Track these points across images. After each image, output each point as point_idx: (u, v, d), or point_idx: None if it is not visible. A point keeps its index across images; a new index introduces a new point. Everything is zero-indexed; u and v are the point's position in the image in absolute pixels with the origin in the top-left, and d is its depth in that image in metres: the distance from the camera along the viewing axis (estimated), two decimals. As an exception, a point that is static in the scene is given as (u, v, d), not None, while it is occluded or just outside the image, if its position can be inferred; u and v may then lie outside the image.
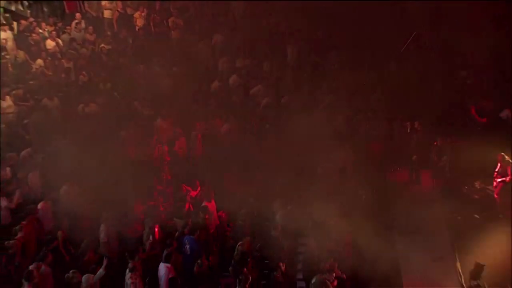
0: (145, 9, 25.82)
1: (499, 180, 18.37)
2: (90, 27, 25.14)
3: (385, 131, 20.37)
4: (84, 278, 14.42)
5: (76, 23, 25.09)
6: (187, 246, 15.99)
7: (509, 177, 18.18)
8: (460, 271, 16.22)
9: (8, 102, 21.19)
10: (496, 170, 18.38)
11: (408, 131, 20.15)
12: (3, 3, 25.89)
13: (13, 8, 26.23)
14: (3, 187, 17.74)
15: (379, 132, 20.39)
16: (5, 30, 24.47)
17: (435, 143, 19.60)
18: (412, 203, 18.33)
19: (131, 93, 21.90)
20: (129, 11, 26.12)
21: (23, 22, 25.42)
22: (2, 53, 23.88)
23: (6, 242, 15.85)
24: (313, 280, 14.86)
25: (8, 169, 18.53)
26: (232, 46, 24.14)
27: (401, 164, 19.96)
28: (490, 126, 20.49)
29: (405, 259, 16.74)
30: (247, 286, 14.68)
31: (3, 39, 24.15)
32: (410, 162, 19.89)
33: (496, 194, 18.41)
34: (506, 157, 18.39)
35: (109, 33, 25.33)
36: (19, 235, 16.00)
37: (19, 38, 24.63)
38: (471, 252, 16.56)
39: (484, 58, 21.81)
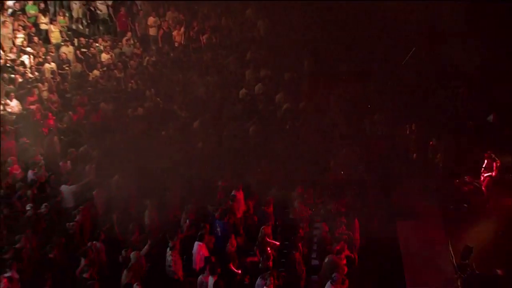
0: (182, 28, 25.69)
1: (486, 175, 18.28)
2: (138, 43, 25.18)
3: (388, 132, 20.27)
4: (132, 255, 14.57)
5: (126, 40, 25.19)
6: (218, 229, 16.03)
7: (494, 172, 18.07)
8: (452, 252, 16.10)
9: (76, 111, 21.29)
10: (483, 166, 18.27)
11: (408, 132, 20.05)
12: (67, 23, 26.09)
13: (74, 27, 26.34)
14: (65, 177, 17.87)
15: (383, 132, 20.35)
16: (67, 46, 24.65)
17: (430, 143, 19.48)
18: (410, 193, 18.27)
19: (171, 99, 21.96)
20: (166, 27, 26.06)
21: (82, 39, 25.55)
22: (65, 65, 24.06)
23: (67, 224, 16.01)
24: (326, 260, 14.89)
25: (69, 162, 18.71)
26: (257, 58, 24.07)
27: (402, 160, 19.74)
28: (479, 128, 20.35)
29: (404, 241, 16.72)
30: (269, 263, 14.71)
31: (63, 52, 24.29)
32: (409, 159, 19.73)
33: (484, 187, 18.30)
34: (493, 155, 18.31)
35: (153, 47, 25.37)
36: (78, 218, 16.12)
37: (80, 52, 24.73)
38: (461, 236, 16.59)
39: (472, 70, 21.67)
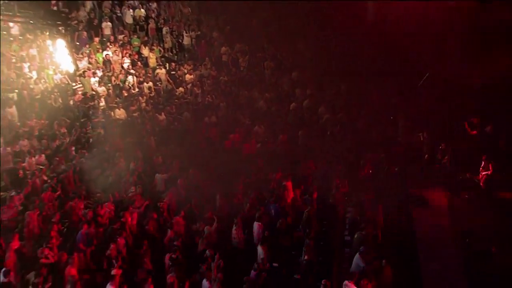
0: (247, 56, 25.71)
1: (484, 173, 17.93)
2: (213, 67, 25.31)
3: (406, 138, 20.03)
4: (206, 228, 14.92)
5: (205, 64, 25.37)
6: (272, 211, 16.03)
7: (490, 171, 17.71)
8: (456, 233, 15.95)
9: (162, 116, 21.62)
10: (481, 166, 17.91)
11: (421, 139, 19.74)
12: (161, 52, 26.37)
13: (166, 55, 26.63)
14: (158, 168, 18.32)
15: (401, 139, 20.10)
16: (161, 69, 24.99)
17: (440, 147, 19.17)
18: (423, 186, 17.94)
19: (238, 110, 21.99)
20: (234, 54, 26.16)
21: (172, 64, 25.83)
22: (158, 83, 24.30)
23: (158, 203, 16.38)
24: (356, 236, 14.76)
25: (160, 157, 19.18)
26: (304, 79, 23.99)
27: (416, 160, 19.44)
28: (479, 136, 19.95)
29: (417, 223, 16.53)
30: (312, 236, 14.68)
31: (158, 74, 24.60)
32: (422, 159, 19.41)
33: (482, 183, 17.94)
34: (489, 158, 17.99)
35: (225, 70, 25.43)
36: (166, 199, 16.32)
37: (169, 74, 24.99)
38: (463, 220, 16.40)
39: (475, 88, 21.25)
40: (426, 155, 19.61)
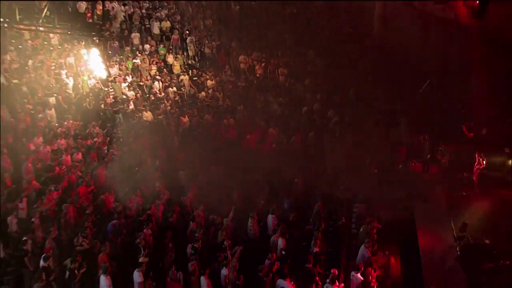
0: (263, 63, 25.72)
1: (476, 167, 17.88)
2: (232, 73, 25.36)
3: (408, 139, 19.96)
4: (224, 220, 15.35)
5: (224, 71, 25.44)
6: (285, 205, 16.05)
7: (482, 165, 17.83)
8: (453, 226, 15.87)
9: (185, 118, 21.73)
10: (475, 162, 17.98)
11: (422, 141, 19.67)
12: (185, 59, 26.46)
13: (189, 62, 26.72)
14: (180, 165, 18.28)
15: (404, 140, 20.02)
16: (184, 75, 25.09)
17: (439, 148, 19.10)
18: (424, 184, 17.87)
19: (254, 113, 22.01)
20: (251, 62, 26.15)
21: (194, 71, 25.92)
22: (182, 88, 24.38)
23: (181, 198, 16.49)
24: (361, 229, 14.77)
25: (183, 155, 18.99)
26: (316, 85, 23.94)
27: (418, 160, 19.36)
28: (475, 138, 19.88)
29: (418, 218, 16.49)
30: (321, 229, 14.69)
31: (181, 80, 24.69)
32: (424, 159, 19.34)
33: (475, 178, 17.92)
34: (481, 154, 18.23)
35: (243, 76, 25.50)
36: (189, 193, 16.73)
37: (192, 80, 25.07)
38: (460, 215, 16.33)
39: (472, 97, 21.17)
40: (428, 155, 19.58)
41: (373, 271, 13.35)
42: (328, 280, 12.80)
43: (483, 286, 13.62)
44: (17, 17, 15.18)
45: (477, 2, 16.74)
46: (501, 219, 16.05)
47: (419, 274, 14.35)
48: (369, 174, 17.77)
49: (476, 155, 18.21)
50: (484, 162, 18.15)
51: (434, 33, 24.11)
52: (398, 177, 17.95)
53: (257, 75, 25.48)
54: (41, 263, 13.59)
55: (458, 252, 14.97)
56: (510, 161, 18.96)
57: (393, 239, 15.16)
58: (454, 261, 14.85)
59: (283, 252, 14.35)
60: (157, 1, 29.49)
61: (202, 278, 13.29)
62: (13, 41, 23.28)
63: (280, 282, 12.95)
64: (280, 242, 14.41)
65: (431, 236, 15.77)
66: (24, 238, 14.48)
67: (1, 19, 15.75)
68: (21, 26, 16.63)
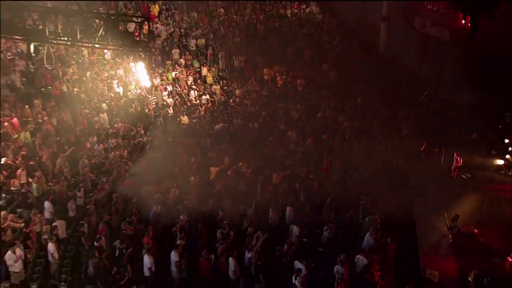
0: (284, 76, 25.64)
1: (454, 165, 17.97)
2: (257, 84, 25.31)
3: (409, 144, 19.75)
4: (248, 210, 15.13)
5: (250, 82, 25.38)
6: (301, 198, 16.05)
7: (459, 164, 17.81)
8: (446, 217, 15.76)
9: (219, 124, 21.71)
10: (454, 163, 18.13)
11: (423, 146, 19.37)
12: (216, 71, 26.44)
13: (220, 74, 26.74)
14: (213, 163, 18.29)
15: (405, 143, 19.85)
16: (216, 85, 25.16)
17: (435, 150, 18.94)
18: (421, 181, 17.73)
19: (275, 118, 22.00)
20: (273, 74, 26.04)
21: (224, 81, 25.91)
22: (214, 96, 24.41)
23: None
24: (366, 219, 14.71)
25: (215, 154, 19.08)
26: (329, 94, 23.85)
27: (417, 161, 19.09)
28: (466, 142, 19.65)
29: (416, 210, 16.33)
30: (332, 218, 14.68)
31: (214, 89, 24.79)
32: (422, 160, 19.18)
33: (454, 173, 18.02)
34: (459, 153, 18.12)
35: (266, 86, 25.42)
36: (218, 187, 16.55)
37: (222, 89, 25.12)
38: (452, 208, 16.16)
39: (463, 106, 20.91)
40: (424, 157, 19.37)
41: (376, 255, 13.28)
42: (338, 263, 12.77)
43: (471, 268, 13.43)
44: (78, 36, 15.35)
45: (469, 24, 16.54)
46: (488, 211, 15.91)
47: (416, 258, 14.24)
48: (375, 172, 17.59)
49: (455, 155, 17.97)
50: (461, 161, 17.90)
51: (431, 50, 23.87)
52: (399, 175, 17.73)
53: (278, 85, 25.38)
54: (95, 243, 13.83)
55: (451, 240, 14.84)
56: (497, 161, 18.77)
57: (394, 228, 15.02)
58: (447, 247, 14.75)
59: (304, 240, 14.36)
60: (193, 22, 29.62)
61: (230, 259, 13.39)
62: (74, 56, 23.73)
63: (296, 263, 12.96)
64: (296, 229, 14.41)
65: (427, 226, 15.63)
66: (81, 222, 14.78)
67: (65, 38, 15.96)
68: (81, 44, 16.82)
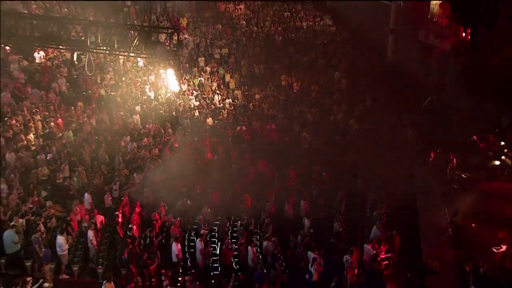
0: (300, 82, 25.54)
1: (450, 166, 17.87)
2: (275, 89, 25.18)
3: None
4: (266, 204, 14.72)
5: (269, 87, 25.23)
6: (315, 193, 16.02)
7: (455, 165, 17.72)
8: (447, 212, 15.63)
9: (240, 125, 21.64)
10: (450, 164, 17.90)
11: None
12: (239, 78, 26.41)
13: (242, 80, 26.64)
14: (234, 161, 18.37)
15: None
16: (238, 90, 25.06)
17: (437, 151, 18.64)
18: (424, 180, 17.54)
19: (291, 120, 21.94)
20: (291, 81, 25.91)
21: (245, 87, 25.79)
22: (236, 100, 24.42)
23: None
24: (374, 213, 14.61)
25: (236, 152, 19.16)
26: (340, 99, 23.68)
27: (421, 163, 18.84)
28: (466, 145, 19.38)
29: (420, 206, 16.24)
30: (342, 212, 14.60)
31: (236, 93, 24.76)
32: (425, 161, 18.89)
33: (449, 170, 17.84)
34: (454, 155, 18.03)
35: (283, 91, 25.27)
36: (238, 182, 16.51)
37: (243, 94, 25.04)
38: (452, 204, 16.00)
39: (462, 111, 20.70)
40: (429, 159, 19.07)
41: (382, 246, 13.19)
42: (347, 253, 12.72)
43: (469, 258, 13.25)
44: (115, 46, 15.59)
45: (469, 37, 16.43)
46: (484, 207, 15.68)
47: (418, 249, 14.12)
48: (382, 170, 17.44)
49: (451, 156, 17.66)
50: (456, 162, 17.67)
51: (434, 60, 23.60)
52: (405, 175, 17.53)
53: (295, 90, 25.28)
54: (128, 231, 13.98)
55: (450, 233, 14.65)
56: (494, 162, 18.46)
57: (399, 221, 14.90)
58: (447, 240, 14.57)
59: (311, 230, 14.33)
60: (218, 33, 29.70)
61: (249, 248, 13.42)
62: (111, 63, 23.97)
63: (309, 254, 12.93)
64: (307, 222, 14.38)
65: (429, 220, 15.50)
66: (116, 212, 14.93)
67: (104, 48, 16.21)
68: (118, 53, 17.07)
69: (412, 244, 14.35)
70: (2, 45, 19.91)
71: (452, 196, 16.66)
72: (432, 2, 22.21)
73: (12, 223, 13.20)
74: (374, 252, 12.91)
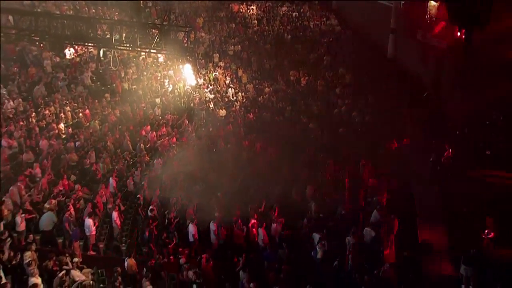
0: (306, 77, 25.33)
1: (446, 155, 16.93)
2: (284, 83, 24.99)
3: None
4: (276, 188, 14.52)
5: (278, 81, 25.10)
6: (320, 179, 15.83)
7: (450, 154, 16.77)
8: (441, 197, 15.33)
9: (250, 115, 21.59)
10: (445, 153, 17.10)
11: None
12: (251, 72, 26.24)
13: (253, 74, 26.49)
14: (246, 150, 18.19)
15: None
16: (250, 84, 24.92)
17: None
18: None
19: (299, 112, 21.85)
20: (298, 76, 25.71)
21: (256, 81, 25.62)
22: (247, 93, 24.20)
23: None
24: (374, 198, 14.70)
25: (247, 142, 18.98)
26: (344, 94, 23.53)
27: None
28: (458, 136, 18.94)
29: (416, 192, 15.89)
30: (346, 197, 14.46)
31: (248, 87, 24.56)
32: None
33: (444, 161, 16.93)
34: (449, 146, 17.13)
35: (291, 86, 25.10)
36: (250, 170, 16.30)
37: (255, 88, 24.81)
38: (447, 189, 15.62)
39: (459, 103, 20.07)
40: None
41: (382, 228, 13.08)
42: (350, 234, 12.63)
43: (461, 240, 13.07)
44: (138, 43, 15.56)
45: (464, 37, 16.15)
46: (477, 195, 15.10)
47: (414, 231, 13.88)
48: (381, 158, 17.23)
49: (446, 146, 17.34)
50: (451, 151, 17.05)
51: (431, 57, 23.23)
52: (401, 161, 17.27)
53: (302, 85, 25.10)
54: (149, 213, 14.04)
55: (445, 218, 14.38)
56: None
57: (399, 205, 14.73)
58: (441, 222, 14.28)
59: (320, 215, 14.20)
60: (231, 31, 29.48)
61: (259, 229, 13.39)
62: (134, 59, 23.95)
63: (314, 235, 12.88)
64: (313, 206, 14.30)
65: (425, 205, 15.12)
66: (138, 196, 15.00)
67: (127, 45, 16.18)
68: (140, 49, 17.05)
69: (409, 226, 14.12)
70: (37, 43, 20.09)
71: (448, 184, 16.28)
72: (430, 3, 21.89)
73: (46, 205, 13.33)
74: (375, 234, 12.81)
